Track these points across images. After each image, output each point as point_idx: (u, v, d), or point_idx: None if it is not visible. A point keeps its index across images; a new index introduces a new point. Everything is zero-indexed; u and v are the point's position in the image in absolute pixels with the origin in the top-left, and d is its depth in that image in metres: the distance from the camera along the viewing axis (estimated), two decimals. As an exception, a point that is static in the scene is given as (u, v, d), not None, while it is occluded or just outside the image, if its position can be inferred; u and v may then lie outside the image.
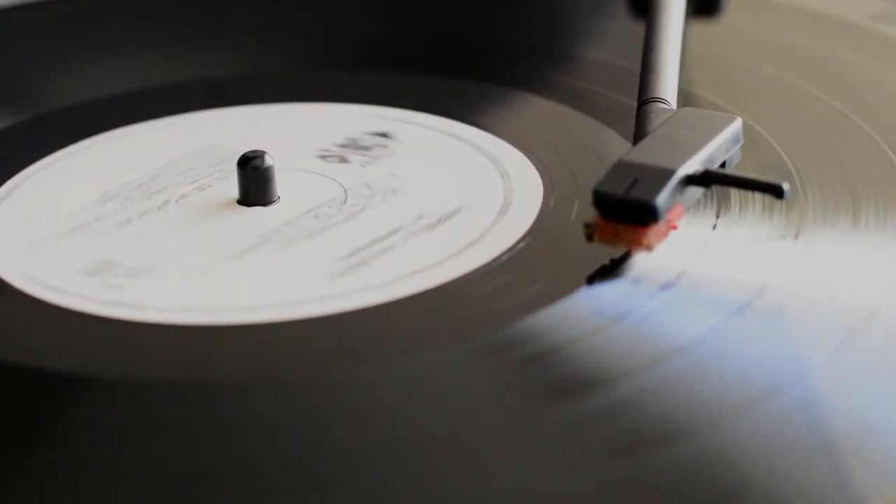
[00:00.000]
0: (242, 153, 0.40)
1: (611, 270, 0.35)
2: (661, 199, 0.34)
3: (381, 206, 0.40)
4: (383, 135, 0.44)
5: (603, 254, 0.36)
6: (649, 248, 0.35)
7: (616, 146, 0.41)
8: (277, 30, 0.52)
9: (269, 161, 0.40)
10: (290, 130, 0.44)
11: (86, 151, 0.44)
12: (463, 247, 0.37)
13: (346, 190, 0.40)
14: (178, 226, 0.39)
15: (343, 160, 0.42)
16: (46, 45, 0.51)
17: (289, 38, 0.51)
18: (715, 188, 0.38)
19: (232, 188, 0.40)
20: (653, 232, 0.34)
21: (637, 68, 0.42)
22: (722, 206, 0.38)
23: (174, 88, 0.47)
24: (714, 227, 0.37)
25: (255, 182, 0.40)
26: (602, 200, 0.35)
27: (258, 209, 0.40)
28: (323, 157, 0.42)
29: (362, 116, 0.45)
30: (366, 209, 0.40)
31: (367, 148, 0.43)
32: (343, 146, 0.43)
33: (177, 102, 0.46)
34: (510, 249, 0.37)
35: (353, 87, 0.46)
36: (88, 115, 0.46)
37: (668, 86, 0.40)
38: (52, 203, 0.41)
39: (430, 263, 0.36)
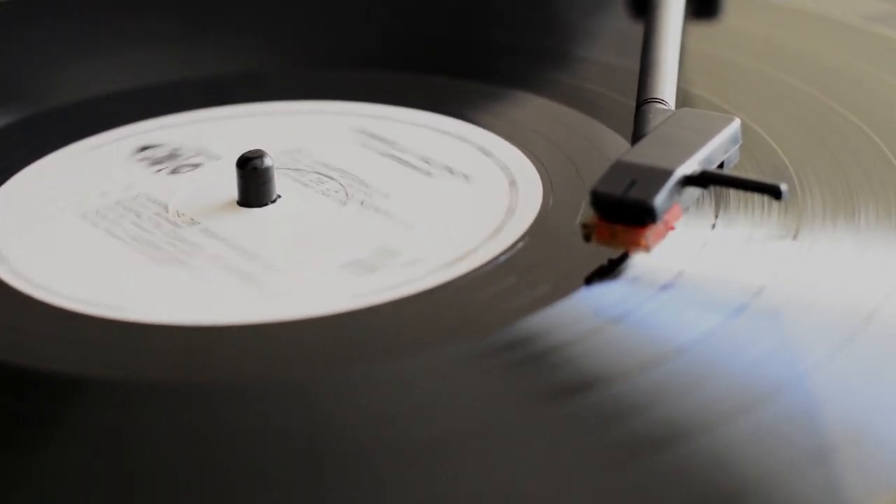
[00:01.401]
0: (242, 153, 0.40)
1: (610, 271, 0.35)
2: (659, 200, 0.34)
3: (382, 203, 0.40)
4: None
5: (603, 254, 0.36)
6: (647, 248, 0.35)
7: (615, 146, 0.41)
8: (277, 30, 0.52)
9: (268, 161, 0.40)
10: (274, 131, 0.45)
11: (80, 154, 0.44)
12: (462, 247, 0.37)
13: (343, 187, 0.41)
14: (191, 229, 0.39)
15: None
16: (46, 44, 0.51)
17: (288, 37, 0.51)
18: (714, 188, 0.38)
19: (226, 190, 0.41)
20: (651, 232, 0.35)
21: (637, 68, 0.42)
22: (721, 207, 0.38)
23: (173, 88, 0.47)
24: (713, 227, 0.37)
25: (255, 182, 0.40)
26: (600, 201, 0.35)
27: (260, 209, 0.40)
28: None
29: (359, 116, 0.45)
30: (366, 205, 0.40)
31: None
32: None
33: (176, 102, 0.46)
34: (510, 249, 0.37)
35: (354, 86, 0.47)
36: (89, 115, 0.46)
37: (666, 86, 0.40)
38: (55, 209, 0.41)
39: (431, 263, 0.37)
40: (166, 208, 0.40)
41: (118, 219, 0.40)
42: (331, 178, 0.41)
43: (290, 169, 0.42)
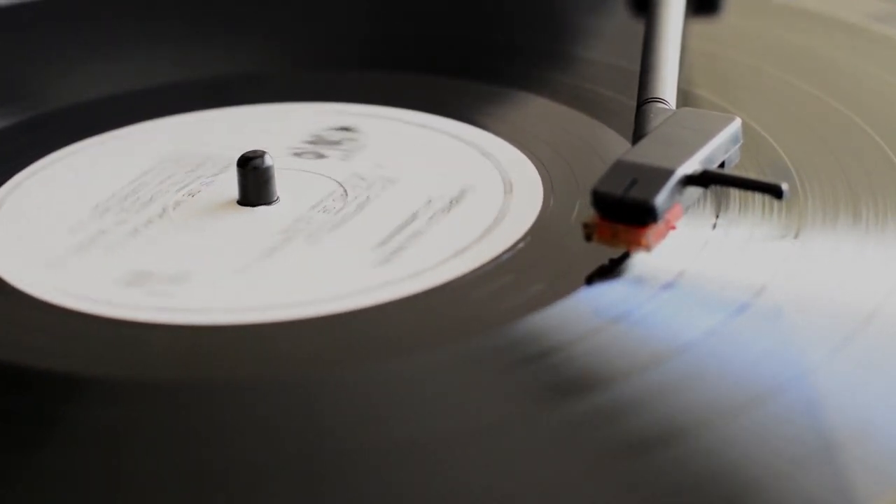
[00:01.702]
0: (242, 153, 0.40)
1: (610, 271, 0.35)
2: (660, 200, 0.34)
3: (384, 195, 0.40)
4: (346, 129, 0.44)
5: (603, 254, 0.36)
6: (648, 248, 0.35)
7: (616, 146, 0.41)
8: (277, 30, 0.52)
9: (268, 161, 0.40)
10: (262, 131, 0.45)
11: (75, 156, 0.44)
12: (463, 247, 0.37)
13: (343, 187, 0.41)
14: (190, 230, 0.39)
15: (320, 156, 0.42)
16: (46, 45, 0.51)
17: (288, 38, 0.51)
18: (715, 188, 0.37)
19: (223, 191, 0.40)
20: (651, 232, 0.34)
21: (637, 68, 0.42)
22: (722, 206, 0.38)
23: (173, 88, 0.47)
24: (714, 226, 0.37)
25: (255, 182, 0.40)
26: (601, 200, 0.35)
27: (262, 208, 0.40)
28: (298, 154, 0.42)
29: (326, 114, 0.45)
30: (370, 199, 0.40)
31: (336, 143, 0.43)
32: (312, 142, 0.43)
33: (175, 102, 0.46)
34: (510, 249, 0.37)
35: (352, 85, 0.47)
36: (88, 115, 0.46)
37: (667, 86, 0.40)
38: (53, 215, 0.40)
39: (431, 263, 0.36)
40: (167, 208, 0.40)
41: (119, 218, 0.40)
42: (340, 184, 0.41)
43: (290, 169, 0.42)
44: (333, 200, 0.40)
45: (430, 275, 0.36)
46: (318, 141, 0.43)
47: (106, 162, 0.43)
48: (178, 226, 0.39)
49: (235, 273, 0.37)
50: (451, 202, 0.39)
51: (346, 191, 0.40)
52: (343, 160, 0.42)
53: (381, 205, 0.40)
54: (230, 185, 0.40)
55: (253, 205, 0.40)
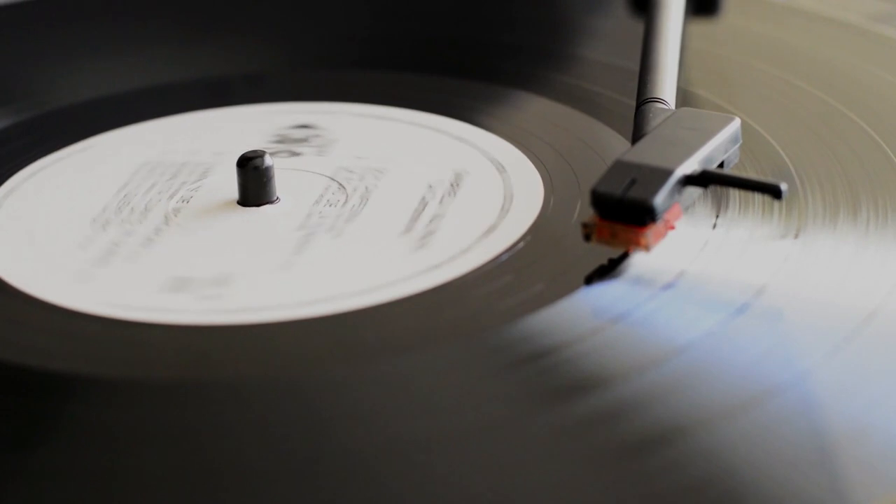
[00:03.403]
0: (242, 153, 0.40)
1: (610, 271, 0.35)
2: (659, 200, 0.34)
3: (381, 185, 0.40)
4: (306, 126, 0.44)
5: (603, 254, 0.36)
6: (647, 248, 0.35)
7: (616, 146, 0.41)
8: (277, 31, 0.52)
9: (268, 161, 0.40)
10: (228, 134, 0.45)
11: (81, 154, 0.44)
12: (463, 247, 0.37)
13: (343, 187, 0.41)
14: (204, 233, 0.39)
15: (293, 153, 0.42)
16: (46, 45, 0.51)
17: (288, 38, 0.51)
18: (715, 188, 0.37)
19: (216, 194, 0.40)
20: (651, 232, 0.35)
21: (637, 67, 0.42)
22: (722, 206, 0.38)
23: (171, 89, 0.47)
24: (714, 226, 0.37)
25: (257, 182, 0.40)
26: (600, 200, 0.35)
27: (267, 207, 0.40)
28: (271, 154, 0.42)
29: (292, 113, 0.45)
30: (370, 190, 0.40)
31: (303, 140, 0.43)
32: (279, 142, 0.43)
33: (174, 102, 0.46)
34: (510, 249, 0.37)
35: (353, 85, 0.47)
36: (88, 115, 0.46)
37: (666, 86, 0.40)
38: (54, 226, 0.40)
39: (431, 263, 0.37)
40: (168, 215, 0.40)
41: (119, 218, 0.40)
42: (331, 178, 0.41)
43: (290, 169, 0.42)
44: (333, 194, 0.40)
45: (430, 275, 0.36)
46: (284, 140, 0.43)
47: (80, 177, 0.42)
48: (189, 230, 0.39)
49: (278, 271, 0.37)
50: (451, 185, 0.40)
51: (340, 184, 0.40)
52: (319, 156, 0.42)
53: (384, 194, 0.40)
54: (220, 187, 0.41)
55: (256, 204, 0.40)
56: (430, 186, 0.40)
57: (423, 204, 0.39)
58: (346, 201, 0.40)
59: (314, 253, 0.37)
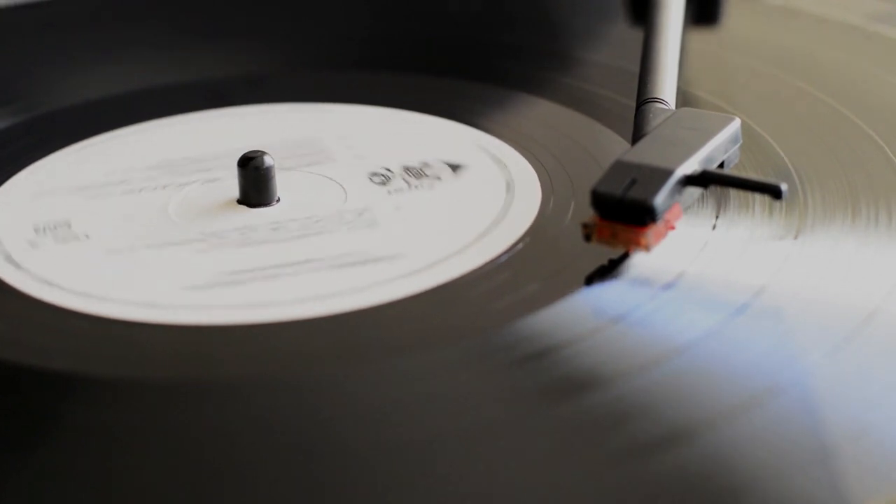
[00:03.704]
0: (243, 153, 0.40)
1: (610, 271, 0.35)
2: (659, 200, 0.34)
3: (381, 203, 0.40)
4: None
5: (603, 254, 0.36)
6: (647, 248, 0.35)
7: (616, 147, 0.41)
8: (277, 32, 0.52)
9: (269, 161, 0.40)
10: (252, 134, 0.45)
11: (81, 154, 0.44)
12: (463, 247, 0.37)
13: (343, 187, 0.41)
14: (191, 229, 0.39)
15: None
16: (46, 45, 0.51)
17: (288, 39, 0.51)
18: (715, 188, 0.38)
19: (212, 196, 0.40)
20: (651, 232, 0.35)
21: (637, 69, 0.42)
22: (722, 207, 0.38)
23: (171, 89, 0.48)
24: (714, 227, 0.37)
25: (256, 182, 0.40)
26: (600, 201, 0.35)
27: (260, 209, 0.40)
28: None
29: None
30: (366, 204, 0.40)
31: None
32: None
33: (174, 103, 0.46)
34: (510, 250, 0.37)
35: (353, 86, 0.47)
36: (88, 115, 0.46)
37: (666, 86, 0.40)
38: (55, 208, 0.40)
39: (431, 263, 0.37)
40: (167, 208, 0.40)
41: (119, 218, 0.40)
42: (331, 178, 0.41)
43: (290, 169, 0.42)
44: (332, 191, 0.40)
45: (431, 275, 0.36)
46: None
47: (81, 178, 0.43)
48: (175, 223, 0.39)
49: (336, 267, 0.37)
50: (449, 210, 0.40)
51: (347, 194, 0.40)
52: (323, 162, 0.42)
53: (376, 210, 0.40)
54: (214, 189, 0.41)
55: (252, 205, 0.40)
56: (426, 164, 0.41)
57: (398, 231, 0.39)
58: (336, 215, 0.40)
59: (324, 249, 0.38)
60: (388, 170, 0.41)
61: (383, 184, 0.41)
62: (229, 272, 0.37)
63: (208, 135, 0.44)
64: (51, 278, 0.37)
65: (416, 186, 0.40)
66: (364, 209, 0.39)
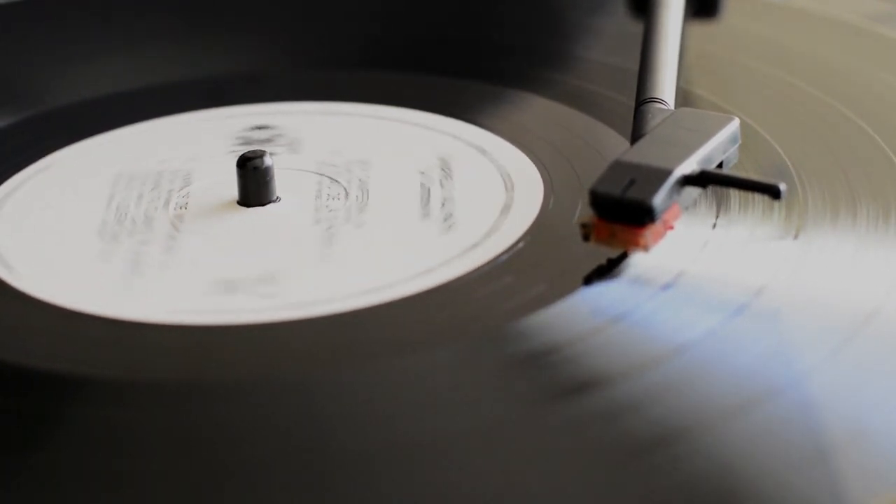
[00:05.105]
0: (242, 153, 0.40)
1: (609, 271, 0.35)
2: (658, 200, 0.34)
3: (381, 203, 0.40)
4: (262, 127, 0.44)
5: (602, 254, 0.36)
6: (646, 248, 0.35)
7: (615, 146, 0.41)
8: (277, 30, 0.52)
9: (268, 161, 0.40)
10: (190, 141, 0.45)
11: (81, 154, 0.44)
12: (462, 247, 0.37)
13: (343, 187, 0.41)
14: (222, 235, 0.39)
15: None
16: (46, 45, 0.51)
17: (288, 38, 0.51)
18: (715, 188, 0.37)
19: (210, 196, 0.40)
20: (649, 232, 0.35)
21: (636, 68, 0.42)
22: (721, 206, 0.38)
23: (172, 88, 0.48)
24: (713, 226, 0.37)
25: (257, 182, 0.40)
26: (599, 200, 0.35)
27: (272, 206, 0.40)
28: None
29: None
30: (366, 205, 0.40)
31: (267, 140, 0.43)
32: (244, 144, 0.43)
33: (176, 102, 0.46)
34: (509, 250, 0.37)
35: (353, 86, 0.47)
36: (88, 115, 0.46)
37: (666, 86, 0.40)
38: (55, 208, 0.40)
39: (430, 263, 0.37)
40: (167, 208, 0.40)
41: (119, 218, 0.40)
42: (331, 178, 0.41)
43: (291, 169, 0.42)
44: (330, 188, 0.40)
45: (430, 275, 0.36)
46: (247, 141, 0.43)
47: (72, 184, 0.43)
48: (205, 234, 0.39)
49: (321, 264, 0.37)
50: (443, 169, 0.40)
51: (332, 178, 0.40)
52: (292, 154, 0.42)
53: (382, 183, 0.40)
54: (211, 191, 0.41)
55: (261, 204, 0.40)
56: (423, 172, 0.40)
57: (398, 230, 0.39)
58: (346, 194, 0.40)
59: (347, 244, 0.38)
60: (388, 169, 0.41)
61: (384, 187, 0.41)
62: (227, 272, 0.37)
63: (214, 134, 0.44)
64: (52, 279, 0.37)
65: (415, 186, 0.40)
66: (363, 209, 0.39)
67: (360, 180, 0.40)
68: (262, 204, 0.40)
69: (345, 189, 0.40)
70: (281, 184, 0.40)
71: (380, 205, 0.39)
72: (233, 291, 0.36)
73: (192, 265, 0.37)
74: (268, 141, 0.43)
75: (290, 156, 0.42)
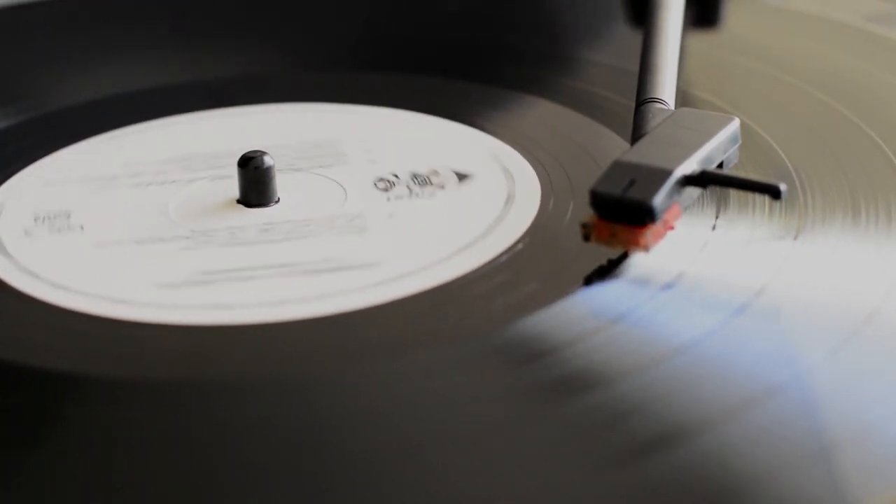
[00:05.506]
0: (243, 153, 0.40)
1: (609, 271, 0.35)
2: (658, 200, 0.34)
3: (381, 204, 0.40)
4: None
5: (603, 254, 0.36)
6: (646, 248, 0.35)
7: (615, 147, 0.41)
8: (278, 32, 0.52)
9: (269, 161, 0.40)
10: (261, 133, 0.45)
11: (81, 154, 0.44)
12: (462, 247, 0.37)
13: (343, 188, 0.41)
14: (191, 230, 0.39)
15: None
16: (46, 45, 0.51)
17: (289, 40, 0.51)
18: (715, 188, 0.37)
19: (212, 196, 0.41)
20: (650, 232, 0.35)
21: (636, 70, 0.42)
22: (722, 207, 0.38)
23: (173, 89, 0.48)
24: (714, 227, 0.37)
25: (256, 182, 0.40)
26: (599, 201, 0.35)
27: (260, 209, 0.40)
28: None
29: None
30: (366, 206, 0.40)
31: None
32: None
33: (176, 103, 0.46)
34: (509, 250, 0.37)
35: (353, 87, 0.47)
36: (88, 115, 0.46)
37: (666, 86, 0.40)
38: (55, 208, 0.40)
39: (430, 263, 0.37)
40: (168, 204, 0.40)
41: (118, 211, 0.40)
42: (331, 179, 0.41)
43: (291, 169, 0.42)
44: (332, 204, 0.40)
45: (431, 275, 0.36)
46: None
47: (110, 160, 0.43)
48: (175, 223, 0.39)
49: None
50: (449, 210, 0.40)
51: (347, 195, 0.40)
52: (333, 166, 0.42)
53: (376, 211, 0.40)
54: (219, 187, 0.41)
55: (252, 205, 0.40)
56: (429, 185, 0.40)
57: (398, 230, 0.39)
58: (336, 215, 0.40)
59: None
60: (396, 176, 0.41)
61: (386, 190, 0.41)
62: (203, 272, 0.37)
63: (223, 132, 0.44)
64: (33, 268, 0.37)
65: (416, 195, 0.40)
66: (357, 215, 0.39)
67: (361, 203, 0.40)
68: (260, 205, 0.40)
69: (345, 197, 0.40)
70: (281, 184, 0.40)
71: (340, 230, 0.39)
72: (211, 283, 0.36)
73: (192, 265, 0.37)
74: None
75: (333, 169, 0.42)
